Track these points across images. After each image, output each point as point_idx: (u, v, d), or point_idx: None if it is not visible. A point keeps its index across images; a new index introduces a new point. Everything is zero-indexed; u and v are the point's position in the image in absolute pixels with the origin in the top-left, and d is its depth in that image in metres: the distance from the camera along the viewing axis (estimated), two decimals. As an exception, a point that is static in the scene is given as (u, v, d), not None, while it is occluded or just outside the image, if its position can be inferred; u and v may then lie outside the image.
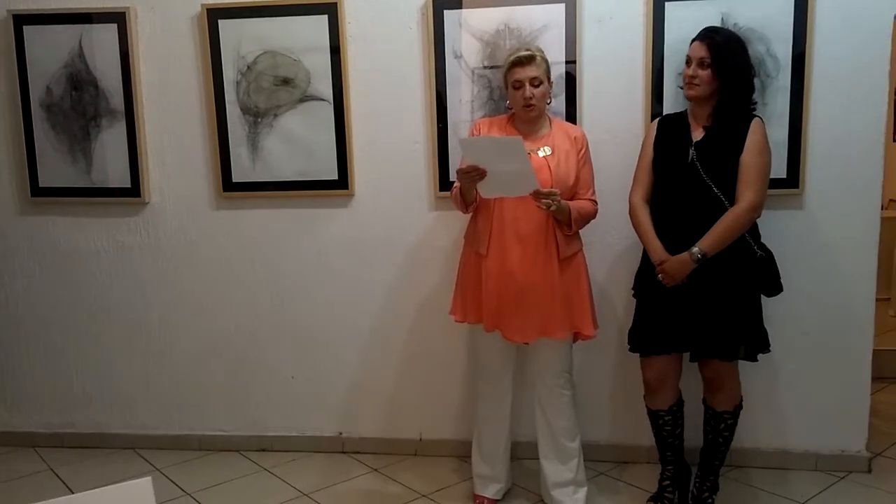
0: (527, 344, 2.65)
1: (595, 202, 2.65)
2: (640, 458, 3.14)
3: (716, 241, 2.45)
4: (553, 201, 2.42)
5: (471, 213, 2.68)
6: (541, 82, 2.53)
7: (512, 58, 2.57)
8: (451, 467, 3.18)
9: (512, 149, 2.35)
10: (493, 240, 2.57)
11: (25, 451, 3.48)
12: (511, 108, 2.65)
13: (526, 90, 2.52)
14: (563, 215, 2.51)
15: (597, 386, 3.15)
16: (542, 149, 2.58)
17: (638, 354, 2.71)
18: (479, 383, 2.84)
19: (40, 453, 3.45)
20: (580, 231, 2.66)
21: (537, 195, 2.41)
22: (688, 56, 2.54)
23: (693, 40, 2.54)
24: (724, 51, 2.46)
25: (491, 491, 2.85)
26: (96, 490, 1.29)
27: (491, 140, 2.54)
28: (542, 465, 2.78)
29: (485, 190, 2.49)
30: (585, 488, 2.78)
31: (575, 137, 2.63)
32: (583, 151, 2.63)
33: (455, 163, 3.02)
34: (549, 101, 2.64)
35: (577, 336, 2.68)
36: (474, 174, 2.42)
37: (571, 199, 2.58)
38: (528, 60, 2.52)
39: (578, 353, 3.00)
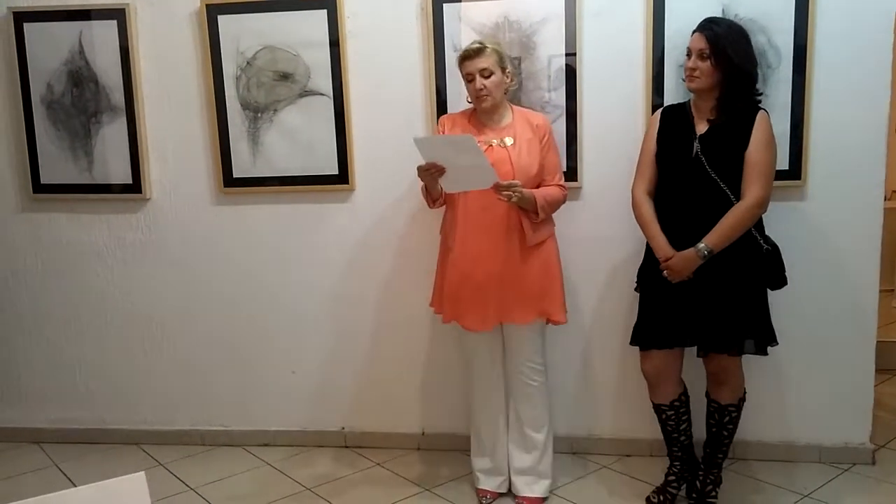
0: (489, 331, 2.67)
1: (563, 187, 2.67)
2: (642, 452, 3.13)
3: (722, 238, 2.43)
4: (514, 193, 2.44)
5: (439, 208, 2.71)
6: (491, 73, 2.54)
7: (460, 51, 2.61)
8: (455, 461, 3.18)
9: (465, 146, 2.38)
10: (458, 232, 2.60)
11: (29, 446, 3.50)
12: (470, 102, 2.67)
13: (476, 82, 2.54)
14: (528, 204, 2.52)
15: (599, 379, 3.14)
16: (503, 140, 2.60)
17: (638, 348, 2.70)
18: (470, 376, 2.83)
19: (44, 449, 3.47)
20: (554, 217, 2.69)
21: (497, 188, 2.44)
22: (688, 48, 2.52)
23: (693, 31, 2.52)
24: (724, 42, 2.43)
25: (493, 484, 2.84)
26: (91, 485, 1.30)
27: (443, 139, 2.60)
28: (508, 448, 2.81)
29: (447, 185, 2.54)
30: (548, 481, 2.79)
31: (537, 125, 2.64)
32: (546, 138, 2.64)
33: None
34: (506, 91, 2.64)
35: (548, 322, 2.69)
36: (433, 171, 2.46)
37: (538, 186, 2.59)
38: (475, 53, 2.54)
39: (580, 345, 3.01)
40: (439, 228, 2.79)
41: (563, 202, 2.68)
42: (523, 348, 2.70)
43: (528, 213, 2.56)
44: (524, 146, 2.59)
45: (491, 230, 2.57)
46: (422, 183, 2.61)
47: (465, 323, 2.63)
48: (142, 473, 1.32)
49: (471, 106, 2.70)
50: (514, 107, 2.72)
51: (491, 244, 2.57)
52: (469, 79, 2.57)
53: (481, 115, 2.66)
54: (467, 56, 2.56)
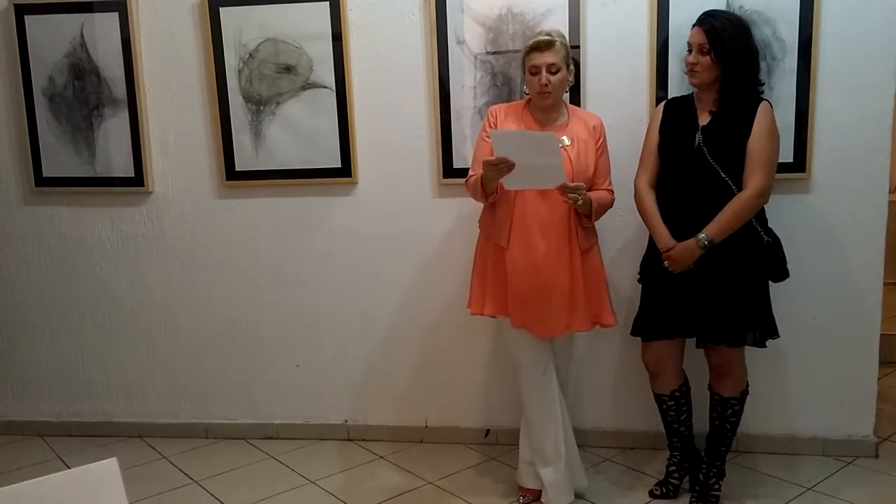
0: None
1: (612, 192, 2.61)
2: (645, 444, 3.14)
3: (723, 228, 2.43)
4: (580, 195, 2.38)
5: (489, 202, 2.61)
6: (559, 69, 2.46)
7: (531, 42, 2.49)
8: (458, 454, 3.18)
9: (545, 144, 2.30)
10: (514, 231, 2.50)
11: (33, 439, 3.50)
12: (527, 94, 2.58)
13: (542, 77, 2.45)
14: (586, 208, 2.46)
15: (601, 372, 3.15)
16: (561, 139, 2.50)
17: (640, 339, 2.70)
18: (520, 376, 2.68)
19: (48, 442, 3.48)
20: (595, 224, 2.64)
21: (564, 189, 2.37)
22: (688, 42, 2.51)
23: (693, 25, 2.50)
24: (723, 36, 2.41)
25: (565, 500, 2.69)
26: (63, 472, 1.29)
27: (524, 134, 2.45)
28: (520, 437, 2.78)
29: (509, 182, 2.44)
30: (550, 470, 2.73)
31: (593, 126, 2.57)
32: (600, 141, 2.58)
33: (458, 150, 3.02)
34: (567, 89, 2.58)
35: (594, 325, 2.63)
36: (502, 167, 2.37)
37: (590, 189, 2.53)
38: (546, 46, 2.45)
39: (582, 338, 3.00)
40: (478, 222, 2.70)
41: (611, 207, 2.62)
42: (562, 349, 2.68)
43: (581, 216, 2.51)
44: (581, 147, 2.52)
45: (549, 233, 2.48)
46: (473, 176, 2.53)
47: (534, 330, 2.54)
48: (113, 459, 1.31)
49: (523, 99, 2.63)
50: (570, 105, 2.65)
51: (551, 248, 2.48)
52: (534, 71, 2.46)
53: (535, 111, 2.57)
54: (536, 48, 2.46)
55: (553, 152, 2.31)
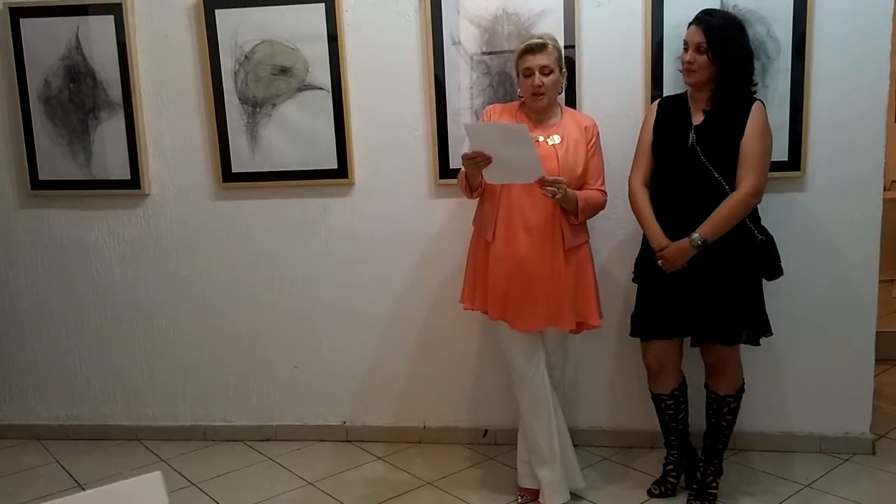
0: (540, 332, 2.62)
1: (604, 192, 2.62)
2: (642, 443, 3.14)
3: (716, 227, 2.44)
4: (559, 189, 2.40)
5: (477, 199, 2.66)
6: (551, 71, 2.50)
7: (523, 45, 2.54)
8: (456, 454, 3.19)
9: (517, 135, 2.33)
10: (498, 226, 2.55)
11: (31, 443, 3.49)
12: (521, 96, 2.62)
13: (535, 78, 2.49)
14: (570, 204, 2.48)
15: (598, 371, 3.15)
16: (551, 137, 2.56)
17: (638, 339, 2.70)
18: (512, 376, 2.71)
19: (45, 445, 3.47)
20: (587, 223, 2.64)
21: (542, 182, 2.40)
22: (685, 40, 2.51)
23: (690, 24, 2.51)
24: (721, 35, 2.43)
25: (560, 498, 2.71)
26: (107, 486, 1.27)
27: (496, 126, 2.53)
28: (518, 437, 2.78)
29: (490, 176, 2.48)
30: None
31: (585, 127, 2.60)
32: (593, 141, 2.61)
33: (455, 150, 3.02)
34: (560, 90, 2.61)
35: (581, 326, 2.65)
36: (479, 160, 2.41)
37: (580, 189, 2.55)
38: (539, 48, 2.49)
39: (577, 339, 3.01)
40: (472, 221, 2.73)
41: (602, 209, 2.63)
42: (554, 348, 2.69)
43: (568, 214, 2.53)
44: (571, 146, 2.55)
45: (533, 229, 2.51)
46: (462, 172, 2.56)
47: (514, 323, 2.56)
48: (158, 473, 1.28)
49: (519, 100, 2.65)
50: (564, 107, 2.68)
51: (533, 243, 2.51)
52: (527, 73, 2.51)
53: (530, 112, 2.60)
54: (529, 50, 2.50)
55: (525, 143, 2.33)
